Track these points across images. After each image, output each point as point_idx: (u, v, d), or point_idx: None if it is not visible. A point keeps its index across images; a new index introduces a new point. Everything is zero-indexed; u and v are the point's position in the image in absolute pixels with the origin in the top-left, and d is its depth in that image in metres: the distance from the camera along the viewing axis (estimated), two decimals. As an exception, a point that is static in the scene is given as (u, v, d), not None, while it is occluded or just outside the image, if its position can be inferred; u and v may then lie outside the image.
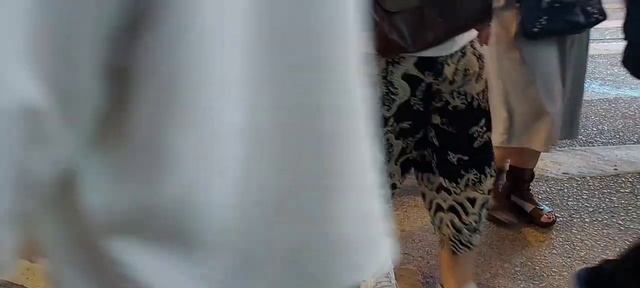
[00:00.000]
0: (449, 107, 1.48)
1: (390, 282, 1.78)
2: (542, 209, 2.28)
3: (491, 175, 1.57)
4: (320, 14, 0.50)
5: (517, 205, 2.31)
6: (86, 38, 0.39)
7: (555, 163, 2.82)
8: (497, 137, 1.96)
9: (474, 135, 1.51)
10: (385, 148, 1.46)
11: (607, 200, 2.48)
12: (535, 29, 1.90)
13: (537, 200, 2.33)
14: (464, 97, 1.48)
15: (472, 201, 1.57)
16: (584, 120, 3.38)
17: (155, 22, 0.40)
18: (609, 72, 4.27)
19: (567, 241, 2.17)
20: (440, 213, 1.62)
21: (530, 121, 2.03)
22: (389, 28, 1.31)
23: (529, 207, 2.28)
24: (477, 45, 1.50)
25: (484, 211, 1.61)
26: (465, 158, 1.52)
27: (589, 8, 1.95)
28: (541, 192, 2.54)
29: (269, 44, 0.47)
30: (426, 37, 1.33)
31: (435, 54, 1.40)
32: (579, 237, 2.21)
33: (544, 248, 2.13)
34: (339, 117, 0.54)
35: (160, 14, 0.40)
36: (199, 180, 0.46)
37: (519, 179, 2.29)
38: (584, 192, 2.55)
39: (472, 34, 1.46)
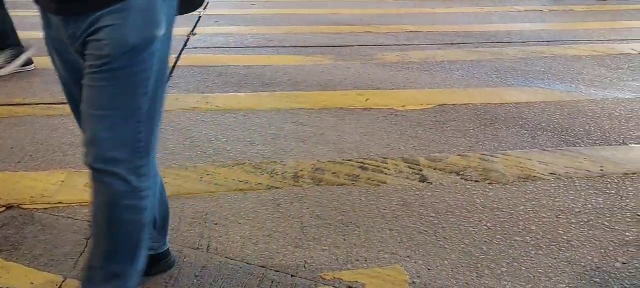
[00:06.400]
0: None
1: None
2: None
3: None
4: None
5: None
6: None
7: (541, 163, 2.82)
8: None
9: None
10: None
11: (593, 200, 2.49)
12: None
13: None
14: None
15: None
16: (570, 120, 3.39)
17: None
18: (595, 73, 4.28)
19: (553, 242, 2.17)
20: None
21: None
22: None
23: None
24: None
25: None
26: None
27: None
28: (528, 191, 2.54)
29: None
30: None
31: None
32: (565, 237, 2.21)
33: (529, 248, 2.13)
34: None
35: None
36: None
37: None
38: (570, 192, 2.55)
39: None
